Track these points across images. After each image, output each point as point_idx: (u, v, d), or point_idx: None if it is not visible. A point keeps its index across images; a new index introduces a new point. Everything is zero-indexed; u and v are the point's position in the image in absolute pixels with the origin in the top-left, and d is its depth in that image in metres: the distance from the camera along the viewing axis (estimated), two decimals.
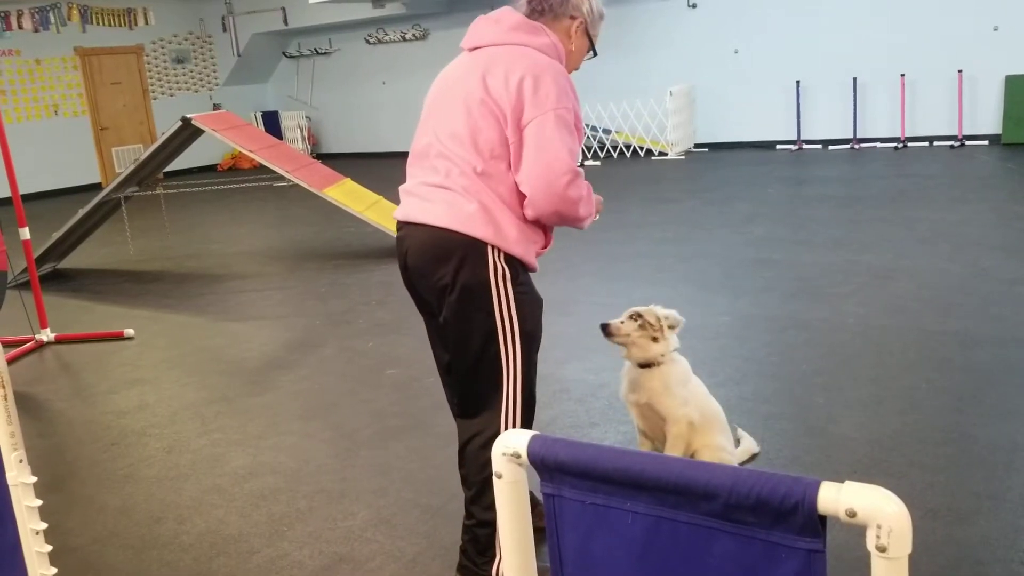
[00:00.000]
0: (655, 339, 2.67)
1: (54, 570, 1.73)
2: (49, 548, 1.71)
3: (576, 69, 2.40)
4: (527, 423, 2.35)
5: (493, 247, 2.19)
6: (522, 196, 2.20)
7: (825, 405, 3.51)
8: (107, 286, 7.12)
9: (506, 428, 2.29)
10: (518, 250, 2.22)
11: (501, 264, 2.20)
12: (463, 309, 2.23)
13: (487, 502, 2.31)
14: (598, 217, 2.53)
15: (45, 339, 5.47)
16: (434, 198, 2.21)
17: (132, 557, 2.83)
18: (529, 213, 2.22)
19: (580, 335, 4.60)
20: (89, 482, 3.43)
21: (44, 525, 1.70)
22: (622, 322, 2.69)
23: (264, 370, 4.61)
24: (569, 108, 2.18)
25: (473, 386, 2.32)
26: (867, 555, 0.90)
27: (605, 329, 2.69)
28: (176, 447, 3.70)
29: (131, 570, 2.75)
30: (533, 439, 1.15)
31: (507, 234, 2.20)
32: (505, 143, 2.16)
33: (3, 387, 1.61)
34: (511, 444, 1.16)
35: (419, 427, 3.64)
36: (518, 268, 2.25)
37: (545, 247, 2.36)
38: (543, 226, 2.31)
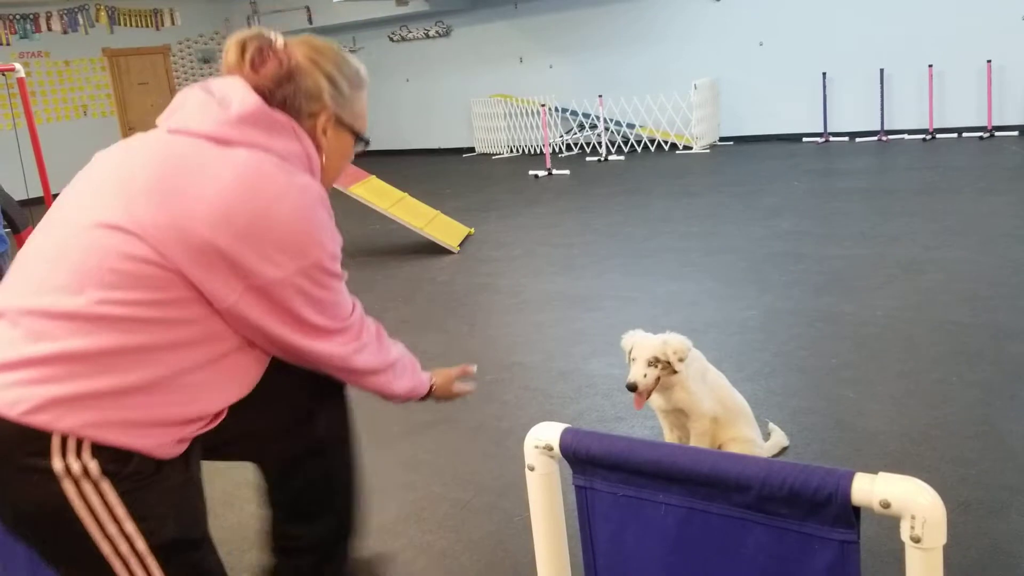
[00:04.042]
0: (674, 371, 2.66)
1: None
2: None
3: (343, 172, 1.75)
4: None
5: None
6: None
7: (854, 399, 3.49)
8: None
9: None
10: None
11: None
12: None
13: None
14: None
15: None
16: None
17: None
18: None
19: (605, 330, 4.60)
20: None
21: None
22: (645, 375, 2.61)
23: None
24: (330, 254, 1.52)
25: None
26: (901, 546, 0.90)
27: (634, 389, 2.61)
28: None
29: None
30: (565, 432, 1.16)
31: None
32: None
33: None
34: (543, 437, 1.17)
35: (447, 422, 3.65)
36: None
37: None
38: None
